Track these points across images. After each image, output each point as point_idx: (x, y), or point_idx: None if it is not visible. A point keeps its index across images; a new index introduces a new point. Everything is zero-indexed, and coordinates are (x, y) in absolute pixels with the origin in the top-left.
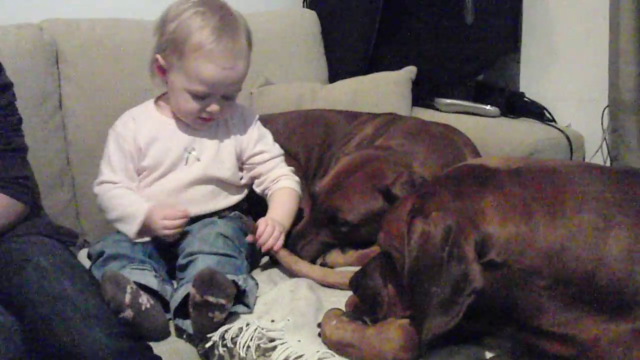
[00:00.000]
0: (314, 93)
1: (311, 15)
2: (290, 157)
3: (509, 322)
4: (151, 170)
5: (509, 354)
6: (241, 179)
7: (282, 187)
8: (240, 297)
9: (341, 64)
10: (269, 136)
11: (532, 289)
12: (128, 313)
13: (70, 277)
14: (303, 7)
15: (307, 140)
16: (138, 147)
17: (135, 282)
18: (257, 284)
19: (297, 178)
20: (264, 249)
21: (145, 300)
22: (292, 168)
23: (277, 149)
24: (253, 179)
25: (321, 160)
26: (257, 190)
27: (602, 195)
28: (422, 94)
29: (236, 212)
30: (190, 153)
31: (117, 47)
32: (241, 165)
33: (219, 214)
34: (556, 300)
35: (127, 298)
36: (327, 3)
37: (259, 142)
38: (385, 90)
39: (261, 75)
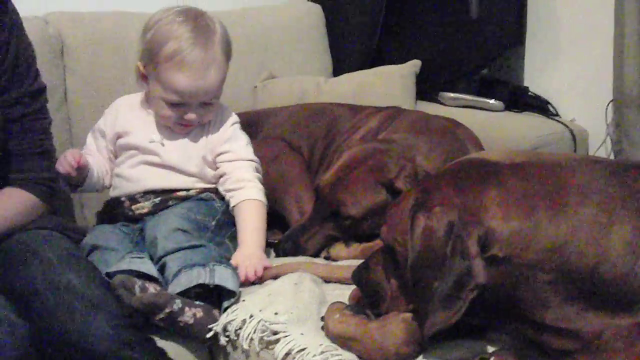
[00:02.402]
0: (318, 87)
1: (316, 9)
2: (294, 150)
3: (512, 316)
4: (124, 151)
5: (512, 349)
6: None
7: (246, 199)
8: (220, 290)
9: (345, 57)
10: (242, 139)
11: (535, 283)
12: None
13: (75, 268)
14: (307, 0)
15: (311, 134)
16: (115, 131)
17: (135, 271)
18: (229, 266)
19: (261, 186)
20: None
21: (152, 291)
22: (259, 175)
23: (246, 153)
24: (218, 178)
25: (325, 154)
26: (220, 189)
27: (605, 190)
28: (427, 88)
29: (209, 193)
30: (159, 142)
31: (121, 41)
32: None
33: (187, 191)
34: (559, 294)
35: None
36: None
37: (227, 142)
38: (389, 84)
39: (265, 69)
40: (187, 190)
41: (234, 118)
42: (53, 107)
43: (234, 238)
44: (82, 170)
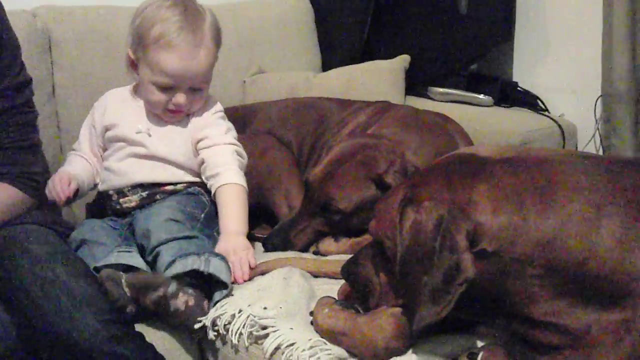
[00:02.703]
0: (307, 81)
1: (305, 4)
2: (283, 145)
3: (501, 311)
4: (112, 143)
5: (501, 343)
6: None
7: (224, 184)
8: (212, 280)
9: (335, 52)
10: (222, 126)
11: (524, 278)
12: (131, 308)
13: (62, 263)
14: None
15: (300, 129)
16: (103, 124)
17: (124, 265)
18: (224, 260)
19: (241, 171)
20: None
21: None
22: (240, 159)
23: (225, 138)
24: (200, 167)
25: (314, 149)
26: (203, 177)
27: (594, 185)
28: (416, 83)
29: (197, 188)
30: (146, 133)
31: (110, 35)
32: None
33: (175, 186)
34: (548, 289)
35: (128, 292)
36: None
37: (207, 128)
38: (378, 79)
39: (254, 64)
40: (175, 184)
41: (218, 107)
42: (40, 102)
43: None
44: (72, 198)
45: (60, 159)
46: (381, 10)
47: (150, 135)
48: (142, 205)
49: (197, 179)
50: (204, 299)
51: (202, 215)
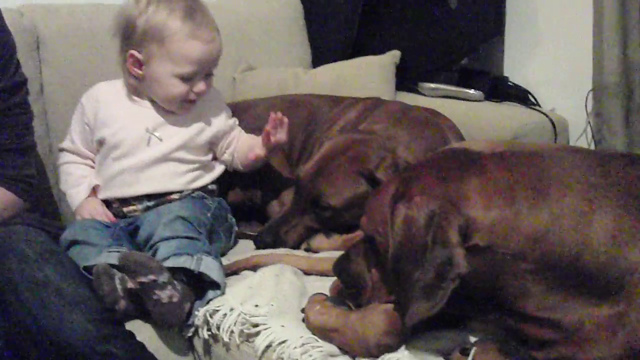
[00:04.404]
0: (297, 78)
1: (294, 0)
2: None
3: (494, 306)
4: (111, 148)
5: (494, 339)
6: (213, 159)
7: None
8: (202, 279)
9: (325, 48)
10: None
11: (517, 273)
12: (121, 303)
13: (52, 263)
14: None
15: (290, 125)
16: (99, 121)
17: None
18: (217, 259)
19: None
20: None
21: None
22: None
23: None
24: (225, 149)
25: (305, 146)
26: (226, 156)
27: (586, 179)
28: (406, 78)
29: (199, 192)
30: (152, 134)
31: (97, 33)
32: (212, 144)
33: (180, 192)
34: (541, 284)
35: (120, 289)
36: None
37: (230, 119)
38: (369, 75)
39: (244, 60)
40: (180, 192)
41: (222, 94)
42: (29, 100)
43: (227, 231)
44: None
45: (49, 158)
46: (371, 5)
47: (159, 138)
48: (146, 212)
49: (206, 179)
50: (189, 301)
51: (209, 214)
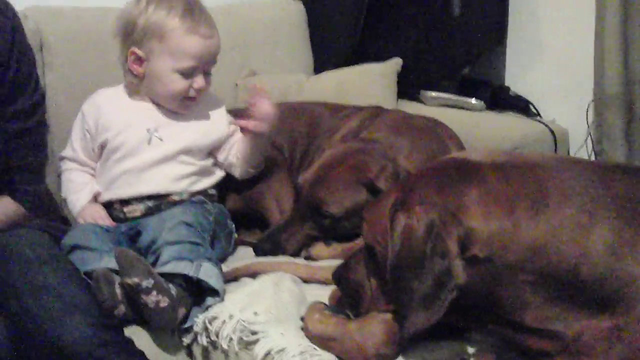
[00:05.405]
0: (299, 84)
1: (297, 6)
2: (275, 150)
3: (492, 317)
4: (113, 150)
5: (492, 349)
6: (214, 164)
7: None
8: (200, 285)
9: (327, 55)
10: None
11: (515, 284)
12: (121, 308)
13: (54, 268)
14: None
15: (292, 133)
16: (100, 127)
17: (113, 269)
18: (217, 266)
19: None
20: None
21: None
22: None
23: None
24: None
25: (306, 153)
26: (232, 159)
27: (585, 191)
28: (408, 87)
29: (200, 197)
30: (153, 134)
31: (102, 37)
32: (213, 149)
33: (181, 194)
34: (539, 295)
35: (119, 294)
36: None
37: (229, 125)
38: (370, 82)
39: (246, 66)
40: (180, 193)
41: (223, 99)
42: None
43: (227, 236)
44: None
45: (51, 162)
46: (374, 13)
47: (160, 137)
48: (147, 214)
49: (206, 183)
50: (184, 306)
51: (211, 219)
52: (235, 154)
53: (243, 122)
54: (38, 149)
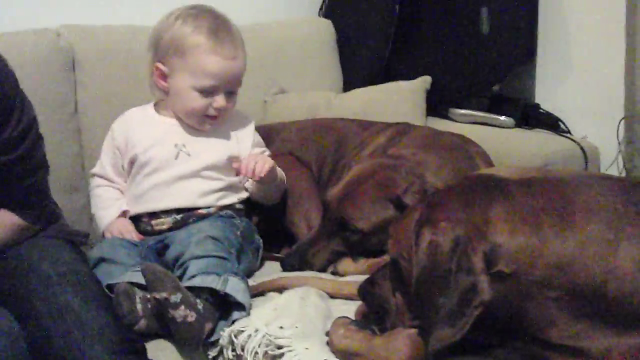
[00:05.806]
0: (328, 102)
1: (327, 24)
2: (303, 165)
3: (518, 334)
4: (142, 166)
5: None
6: (240, 182)
7: None
8: (227, 299)
9: (356, 73)
10: (261, 140)
11: (541, 300)
12: (142, 324)
13: (75, 288)
14: (319, 16)
15: (320, 149)
16: (129, 144)
17: (135, 284)
18: (243, 280)
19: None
20: (249, 174)
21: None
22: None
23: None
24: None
25: (334, 169)
26: (240, 178)
27: (613, 207)
28: (437, 104)
29: (228, 211)
30: (181, 150)
31: (132, 54)
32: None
33: (208, 208)
34: (566, 312)
35: (140, 309)
36: (342, 12)
37: (256, 148)
38: (399, 100)
39: (275, 84)
40: (208, 207)
41: (252, 120)
42: (64, 120)
43: (254, 251)
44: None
45: (82, 177)
46: (403, 31)
47: (187, 153)
48: (175, 227)
49: (234, 198)
50: (211, 320)
51: (238, 233)
52: (251, 182)
53: (242, 168)
54: (33, 178)
